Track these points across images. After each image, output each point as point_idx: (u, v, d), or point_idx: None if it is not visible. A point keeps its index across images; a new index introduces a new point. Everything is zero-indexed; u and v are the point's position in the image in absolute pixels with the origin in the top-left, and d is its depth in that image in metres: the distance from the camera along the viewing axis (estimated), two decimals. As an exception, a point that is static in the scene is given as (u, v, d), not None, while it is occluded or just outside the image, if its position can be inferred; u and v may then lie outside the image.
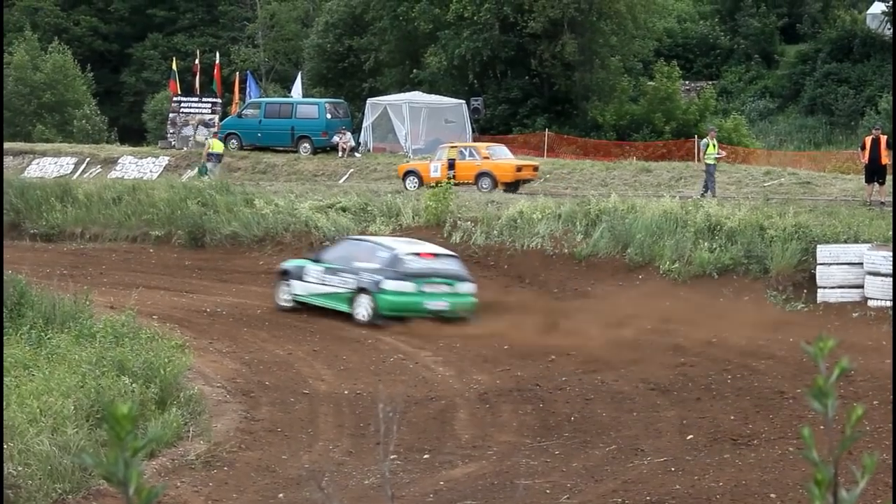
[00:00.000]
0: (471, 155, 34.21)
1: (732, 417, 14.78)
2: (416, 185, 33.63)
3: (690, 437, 14.03)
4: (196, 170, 38.10)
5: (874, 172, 27.80)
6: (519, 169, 33.96)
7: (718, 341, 19.49)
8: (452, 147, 34.96)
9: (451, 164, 33.73)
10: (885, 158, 27.50)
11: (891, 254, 21.12)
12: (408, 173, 34.88)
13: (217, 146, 37.90)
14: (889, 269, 21.00)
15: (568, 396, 16.00)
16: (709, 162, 30.44)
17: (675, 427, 14.54)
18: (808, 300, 22.01)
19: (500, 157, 34.75)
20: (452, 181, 31.23)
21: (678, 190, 31.64)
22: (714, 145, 30.59)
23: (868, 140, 28.19)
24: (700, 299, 22.41)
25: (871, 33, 55.04)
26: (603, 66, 47.38)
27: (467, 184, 32.87)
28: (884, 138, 27.80)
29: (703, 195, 29.35)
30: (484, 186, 33.10)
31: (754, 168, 32.86)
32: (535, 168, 34.72)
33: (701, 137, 41.80)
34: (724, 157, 32.16)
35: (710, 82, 55.20)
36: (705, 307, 21.89)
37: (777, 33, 58.44)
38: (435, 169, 33.96)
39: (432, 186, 30.30)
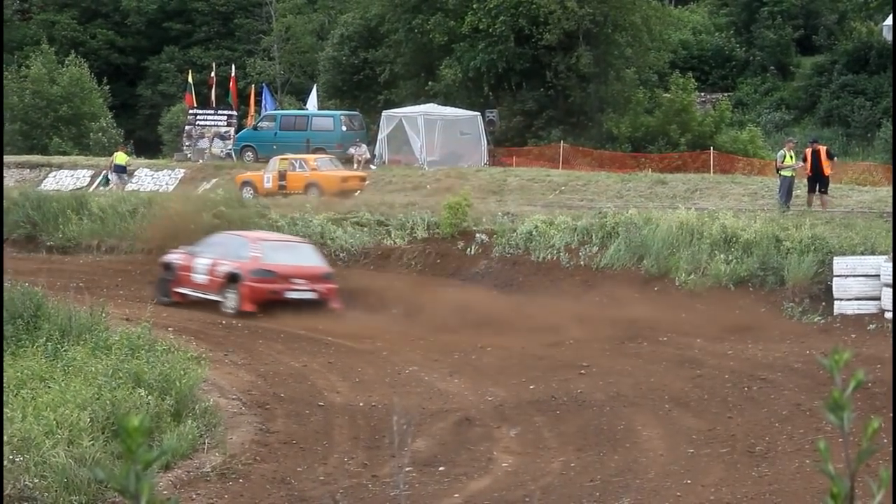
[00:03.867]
0: (300, 167, 36.06)
1: (748, 430, 14.71)
2: (252, 195, 35.25)
3: (707, 450, 13.98)
4: (99, 179, 39.14)
5: (817, 182, 28.81)
6: (345, 180, 35.76)
7: (734, 353, 19.43)
8: (284, 160, 36.82)
9: (283, 176, 35.79)
10: (827, 169, 28.72)
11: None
12: (244, 183, 36.84)
13: (121, 158, 38.50)
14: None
15: (584, 409, 15.97)
16: (785, 174, 28.98)
17: (690, 439, 14.49)
18: (824, 312, 21.91)
19: (327, 168, 36.51)
20: (285, 191, 34.65)
21: (693, 202, 31.55)
22: (791, 156, 29.06)
23: (808, 152, 28.96)
24: (716, 311, 22.35)
25: (888, 45, 54.88)
26: (618, 77, 47.34)
27: (297, 193, 34.85)
28: (822, 149, 28.96)
29: (786, 209, 28.21)
30: (312, 195, 34.78)
31: (770, 180, 32.70)
32: (363, 179, 36.48)
33: (716, 149, 41.84)
34: (801, 168, 29.57)
35: (726, 94, 55.12)
36: (721, 319, 21.82)
37: (793, 45, 58.33)
38: (268, 179, 36.18)
39: (265, 196, 33.84)
